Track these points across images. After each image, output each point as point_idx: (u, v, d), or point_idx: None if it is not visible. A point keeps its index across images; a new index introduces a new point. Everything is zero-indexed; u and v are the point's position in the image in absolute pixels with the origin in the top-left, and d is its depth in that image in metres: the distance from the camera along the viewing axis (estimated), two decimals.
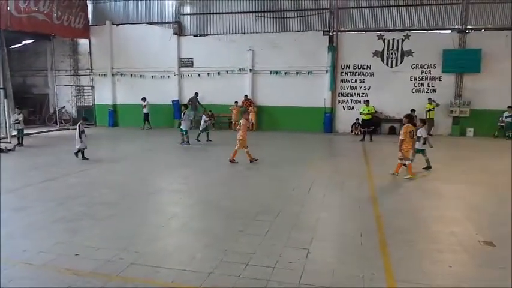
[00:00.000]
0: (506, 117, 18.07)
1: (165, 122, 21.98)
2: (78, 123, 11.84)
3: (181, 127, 15.34)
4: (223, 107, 21.25)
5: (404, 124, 9.96)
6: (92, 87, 23.81)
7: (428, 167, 10.58)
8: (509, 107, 17.93)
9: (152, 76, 22.49)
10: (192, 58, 22.08)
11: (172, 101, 22.08)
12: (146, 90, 22.00)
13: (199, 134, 16.26)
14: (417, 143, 10.36)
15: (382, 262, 4.80)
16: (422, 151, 10.57)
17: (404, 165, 9.86)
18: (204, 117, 16.41)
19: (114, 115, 23.35)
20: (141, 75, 22.63)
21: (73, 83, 24.00)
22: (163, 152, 14.13)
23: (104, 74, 23.32)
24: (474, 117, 18.88)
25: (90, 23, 23.14)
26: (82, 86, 24.06)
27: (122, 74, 23.06)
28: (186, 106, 16.33)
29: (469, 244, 5.47)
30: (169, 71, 22.30)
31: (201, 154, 13.63)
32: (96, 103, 23.87)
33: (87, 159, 11.81)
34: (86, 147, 11.85)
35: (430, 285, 4.24)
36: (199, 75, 21.94)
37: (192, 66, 22.12)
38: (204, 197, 7.93)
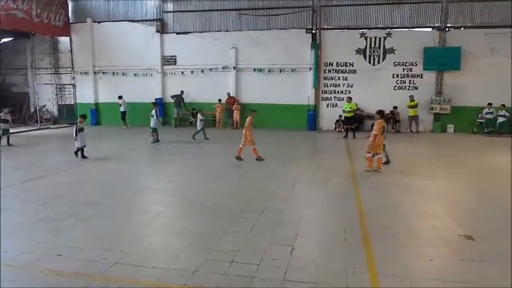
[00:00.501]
0: (487, 113, 18.47)
1: (148, 121, 21.71)
2: (77, 121, 11.68)
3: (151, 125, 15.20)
4: (207, 105, 21.15)
5: (376, 120, 10.24)
6: (74, 85, 23.51)
7: (387, 162, 10.78)
8: (489, 103, 18.32)
9: (135, 74, 22.31)
10: (175, 56, 21.98)
11: (156, 99, 21.88)
12: (129, 88, 21.85)
13: (196, 132, 16.14)
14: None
15: (364, 257, 4.88)
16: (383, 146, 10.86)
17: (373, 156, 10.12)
18: (199, 116, 16.26)
19: (97, 114, 23.11)
20: (123, 73, 22.43)
21: (54, 81, 23.65)
22: (148, 151, 14.06)
23: (86, 72, 23.05)
24: (454, 114, 19.25)
25: (70, 21, 22.84)
26: (63, 84, 23.71)
27: (104, 72, 22.83)
28: (154, 104, 15.99)
29: (450, 238, 5.59)
30: (152, 69, 22.15)
31: (186, 152, 13.58)
32: (77, 102, 23.56)
33: (86, 157, 11.69)
34: (84, 146, 11.71)
35: (411, 278, 4.32)
36: (182, 73, 21.85)
37: (175, 64, 22.01)
38: (188, 196, 7.92)
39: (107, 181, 9.16)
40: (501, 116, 18.30)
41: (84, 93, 23.19)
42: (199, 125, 16.23)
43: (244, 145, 11.41)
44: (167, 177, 9.66)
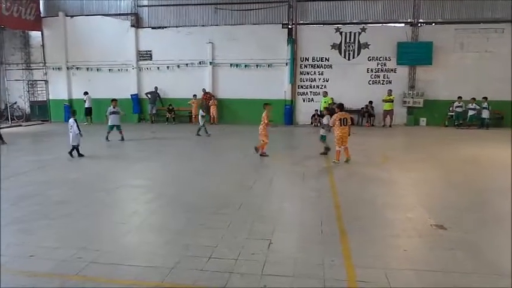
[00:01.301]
0: (457, 107, 19.02)
1: (124, 117, 21.35)
2: (73, 119, 11.34)
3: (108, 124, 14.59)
4: (183, 101, 21.07)
5: (336, 113, 10.57)
6: (46, 81, 22.96)
7: (325, 153, 11.50)
8: (459, 97, 18.86)
9: (109, 70, 21.96)
10: (150, 51, 21.74)
11: (131, 95, 21.67)
12: (103, 84, 21.53)
13: (199, 129, 15.94)
14: (321, 129, 11.62)
15: (341, 249, 4.97)
16: (323, 137, 11.61)
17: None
18: (200, 112, 16.01)
19: (70, 110, 22.56)
20: (97, 69, 22.05)
21: (25, 77, 23.03)
22: (122, 147, 13.87)
23: (59, 68, 22.54)
24: (427, 107, 19.75)
25: (42, 15, 22.27)
26: (35, 80, 23.14)
27: (77, 68, 22.38)
28: (114, 100, 14.89)
29: (422, 228, 5.75)
30: (127, 64, 21.85)
31: (162, 149, 13.49)
32: (50, 98, 23.06)
33: (82, 155, 11.40)
34: (78, 144, 11.38)
35: (386, 269, 4.44)
36: (158, 68, 21.64)
37: (150, 59, 21.77)
38: (165, 192, 7.87)
39: (80, 179, 9.00)
40: (471, 109, 18.88)
41: (57, 90, 22.69)
42: (200, 121, 15.97)
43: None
44: (143, 173, 9.59)
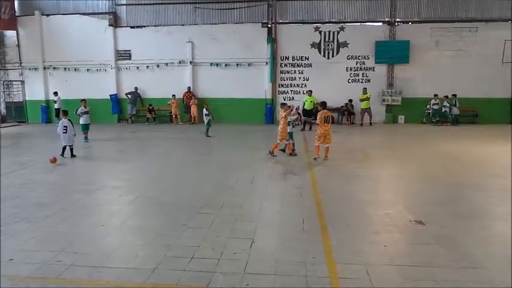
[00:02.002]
0: (433, 104, 19.42)
1: (103, 118, 21.21)
2: (68, 119, 11.28)
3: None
4: (163, 100, 20.92)
5: (319, 111, 10.78)
6: (22, 82, 22.46)
7: (285, 150, 11.59)
8: (435, 95, 19.27)
9: (88, 70, 21.62)
10: (129, 50, 21.49)
11: (110, 95, 21.40)
12: (82, 84, 21.18)
13: (207, 129, 15.61)
14: (288, 127, 11.35)
15: (322, 246, 5.04)
16: (290, 134, 11.49)
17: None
18: (204, 111, 15.70)
19: (48, 111, 22.20)
20: (75, 69, 21.69)
21: (0, 77, 22.48)
22: (101, 148, 13.69)
23: (35, 68, 22.07)
24: (405, 105, 20.10)
25: (17, 14, 21.76)
26: (11, 80, 22.62)
27: (54, 68, 21.96)
28: (83, 100, 14.71)
29: (402, 224, 5.88)
30: (105, 64, 21.55)
31: (142, 149, 13.40)
32: (27, 99, 22.56)
33: (75, 156, 11.38)
34: (72, 144, 11.39)
35: (367, 264, 4.52)
36: (137, 68, 21.42)
37: (129, 58, 21.53)
38: (146, 193, 7.82)
39: (60, 181, 8.88)
40: (443, 106, 19.34)
41: (34, 90, 22.22)
42: (205, 120, 15.66)
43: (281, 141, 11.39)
44: (122, 174, 9.49)
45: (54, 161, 10.53)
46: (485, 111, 19.60)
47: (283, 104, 11.66)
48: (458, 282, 4.11)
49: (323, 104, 11.02)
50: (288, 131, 11.38)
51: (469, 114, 19.91)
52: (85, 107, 14.43)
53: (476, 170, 9.71)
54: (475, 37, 19.54)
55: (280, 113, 11.51)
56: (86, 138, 14.43)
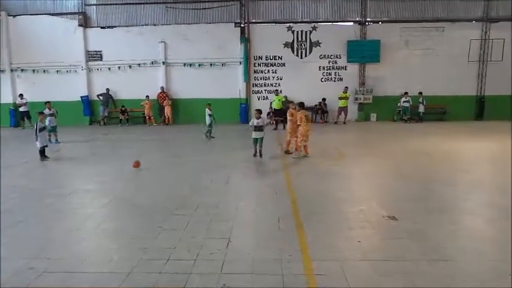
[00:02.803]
0: (404, 102, 19.89)
1: (74, 120, 20.75)
2: (36, 121, 11.24)
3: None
4: (136, 102, 20.65)
5: (298, 111, 10.93)
6: None
7: (259, 155, 11.04)
8: (405, 93, 19.74)
9: (57, 71, 21.11)
10: (100, 51, 21.12)
11: (81, 97, 20.97)
12: (51, 86, 20.68)
13: (210, 130, 15.09)
14: (254, 132, 10.95)
15: (298, 244, 5.10)
16: (257, 140, 10.96)
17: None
18: (208, 111, 15.12)
19: (16, 114, 21.52)
20: (44, 71, 21.14)
21: None
22: (73, 151, 13.39)
23: (2, 70, 21.40)
24: (376, 103, 20.53)
25: None
26: None
27: (22, 70, 21.34)
28: (48, 102, 14.78)
29: (375, 220, 6.02)
30: (76, 65, 21.10)
31: (115, 151, 13.20)
32: None
33: (47, 158, 11.25)
34: (46, 146, 11.34)
35: (341, 260, 4.61)
36: (109, 69, 21.06)
37: (101, 59, 21.16)
38: (119, 195, 7.71)
39: (30, 186, 8.62)
40: (406, 101, 19.87)
41: (1, 93, 21.51)
42: (207, 121, 15.08)
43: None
44: (95, 177, 9.32)
45: (137, 165, 9.98)
46: (453, 108, 20.24)
47: (300, 107, 11.14)
48: (429, 275, 4.24)
49: (301, 105, 11.12)
50: (255, 136, 10.95)
51: (438, 111, 20.49)
52: (49, 109, 14.41)
53: (445, 165, 10.01)
54: (442, 37, 20.14)
55: (290, 114, 11.40)
56: (56, 140, 14.41)
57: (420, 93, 19.73)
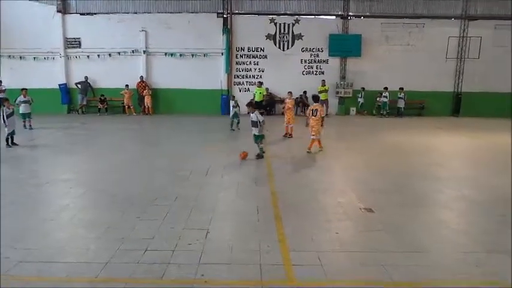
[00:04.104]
0: (383, 96, 20.14)
1: (52, 108, 20.29)
2: (2, 108, 11.15)
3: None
4: (116, 91, 20.31)
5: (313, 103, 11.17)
6: None
7: (261, 156, 10.10)
8: (385, 88, 19.99)
9: (34, 58, 20.53)
10: (79, 38, 20.61)
11: (59, 85, 20.51)
12: (28, 73, 20.08)
13: (232, 122, 14.79)
14: (253, 128, 10.08)
15: (276, 235, 5.17)
16: (259, 137, 10.12)
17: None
18: (232, 103, 14.85)
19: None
20: (21, 57, 20.54)
21: None
22: (50, 140, 13.13)
23: None
24: (356, 97, 20.70)
25: None
26: None
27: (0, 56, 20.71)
28: (24, 89, 14.91)
29: (353, 212, 6.15)
30: (53, 52, 20.55)
31: (92, 140, 13.00)
32: None
33: (16, 145, 11.17)
34: (14, 133, 11.28)
35: (319, 251, 4.70)
36: (88, 57, 20.60)
37: (79, 47, 20.66)
38: (97, 186, 7.62)
39: (4, 175, 8.40)
40: (385, 96, 20.13)
41: None
42: (232, 112, 14.82)
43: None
44: (73, 167, 9.20)
45: (245, 156, 9.81)
46: (431, 104, 20.61)
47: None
48: (404, 266, 4.36)
49: (316, 98, 11.38)
50: (255, 133, 10.05)
51: (417, 106, 20.84)
52: (24, 97, 14.61)
53: (421, 160, 10.22)
54: (422, 33, 20.40)
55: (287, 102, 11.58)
56: (30, 126, 14.69)
57: (401, 88, 19.98)
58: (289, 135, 13.10)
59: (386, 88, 19.97)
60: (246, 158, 9.81)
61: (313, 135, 10.74)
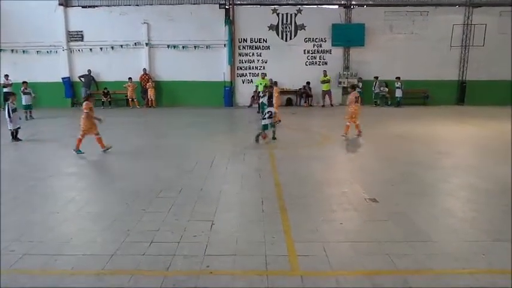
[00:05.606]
0: (396, 87, 19.97)
1: (56, 102, 20.36)
2: (8, 102, 11.27)
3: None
4: (119, 84, 20.32)
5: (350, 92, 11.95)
6: None
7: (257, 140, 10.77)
8: (397, 77, 19.78)
9: (37, 52, 20.56)
10: (81, 31, 20.62)
11: (63, 78, 20.54)
12: (31, 67, 20.16)
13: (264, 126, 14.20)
14: (263, 120, 10.62)
15: (281, 226, 5.16)
16: (267, 126, 10.65)
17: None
18: (262, 99, 13.54)
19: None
20: (23, 51, 20.56)
21: None
22: (54, 133, 13.16)
23: None
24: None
25: None
26: None
27: (1, 50, 20.70)
28: (25, 82, 16.29)
29: (357, 202, 6.11)
30: (56, 45, 20.57)
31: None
32: None
33: (20, 140, 11.29)
34: (19, 127, 11.47)
35: (324, 242, 4.68)
36: (91, 50, 20.61)
37: (82, 40, 20.67)
38: (103, 178, 7.67)
39: (9, 169, 8.45)
40: (398, 87, 20.00)
41: None
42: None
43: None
44: (78, 160, 9.21)
45: (265, 137, 10.82)
46: (435, 93, 20.47)
47: (270, 86, 11.66)
48: (410, 256, 4.34)
49: (353, 86, 12.34)
50: (264, 123, 10.56)
51: (421, 96, 20.71)
52: (26, 89, 15.88)
53: (426, 148, 10.16)
54: (426, 21, 20.22)
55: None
56: (31, 116, 15.83)
57: (398, 77, 19.81)
58: (279, 120, 12.44)
59: (398, 78, 19.76)
60: (266, 138, 10.76)
61: (353, 121, 11.48)
